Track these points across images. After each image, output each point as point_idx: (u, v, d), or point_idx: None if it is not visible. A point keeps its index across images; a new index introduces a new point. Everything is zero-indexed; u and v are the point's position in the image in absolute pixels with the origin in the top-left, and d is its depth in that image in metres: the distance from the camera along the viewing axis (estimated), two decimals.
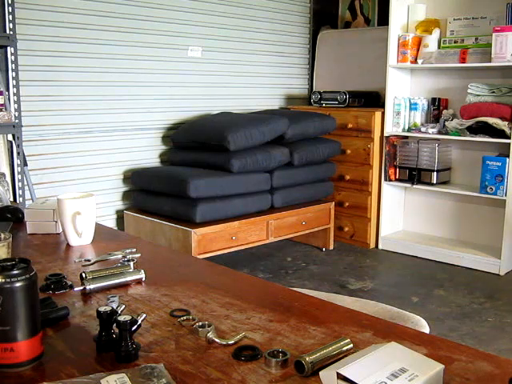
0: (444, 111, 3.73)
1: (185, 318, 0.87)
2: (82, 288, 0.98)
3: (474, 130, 3.43)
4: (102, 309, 0.76)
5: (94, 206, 1.28)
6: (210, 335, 0.79)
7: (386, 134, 3.83)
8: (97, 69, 3.27)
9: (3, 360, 0.71)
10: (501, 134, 3.31)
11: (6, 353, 0.71)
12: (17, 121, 2.69)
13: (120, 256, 1.17)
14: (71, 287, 1.01)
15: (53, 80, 3.10)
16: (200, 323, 0.84)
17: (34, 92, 3.02)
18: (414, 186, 3.78)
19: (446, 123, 3.59)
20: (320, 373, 0.68)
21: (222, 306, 0.93)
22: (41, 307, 0.77)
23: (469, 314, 2.83)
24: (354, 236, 4.04)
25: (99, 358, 0.75)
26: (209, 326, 0.83)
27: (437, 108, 3.79)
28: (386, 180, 3.88)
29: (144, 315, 0.79)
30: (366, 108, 3.96)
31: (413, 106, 3.83)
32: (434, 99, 3.81)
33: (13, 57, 2.74)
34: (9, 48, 2.78)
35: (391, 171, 3.87)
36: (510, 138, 3.27)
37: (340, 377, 0.64)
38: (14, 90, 2.79)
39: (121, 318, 0.74)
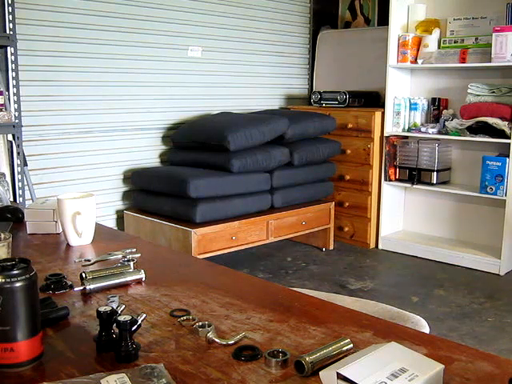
0: (444, 111, 3.73)
1: (185, 317, 0.87)
2: (81, 288, 0.98)
3: (474, 130, 3.43)
4: (101, 309, 0.76)
5: (94, 206, 1.28)
6: (210, 335, 0.79)
7: (385, 134, 3.83)
8: (97, 69, 3.27)
9: (3, 360, 0.71)
10: (501, 134, 3.31)
11: (5, 353, 0.71)
12: (17, 121, 2.69)
13: (120, 256, 1.17)
14: (71, 287, 1.01)
15: (53, 80, 3.10)
16: (200, 323, 0.84)
17: (34, 92, 3.02)
18: (414, 186, 3.78)
19: (446, 123, 3.59)
20: (320, 373, 0.68)
21: (222, 306, 0.93)
22: (41, 307, 0.77)
23: (469, 314, 2.83)
24: (353, 236, 4.04)
25: (99, 358, 0.75)
26: (209, 326, 0.83)
27: (437, 108, 3.79)
28: (385, 180, 3.88)
29: (144, 315, 0.79)
30: (366, 108, 3.96)
31: (413, 106, 3.83)
32: (434, 99, 3.81)
33: (13, 57, 2.74)
34: (9, 48, 2.78)
35: (391, 171, 3.87)
36: (510, 138, 3.27)
37: (340, 377, 0.64)
38: (14, 90, 2.79)
39: (121, 318, 0.74)
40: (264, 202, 3.37)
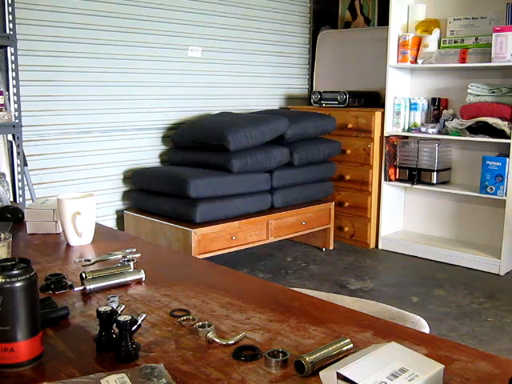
0: (444, 111, 3.73)
1: (185, 317, 0.87)
2: (81, 288, 0.98)
3: (474, 130, 3.43)
4: (102, 309, 0.76)
5: (93, 206, 1.28)
6: (210, 335, 0.79)
7: (386, 134, 3.83)
8: (97, 69, 3.27)
9: (3, 360, 0.71)
10: (501, 134, 3.31)
11: (5, 353, 0.71)
12: (17, 121, 2.69)
13: (120, 256, 1.17)
14: (71, 287, 1.01)
15: (53, 80, 3.10)
16: (200, 323, 0.84)
17: (34, 92, 3.02)
18: (414, 186, 3.78)
19: (446, 123, 3.59)
20: (320, 373, 0.68)
21: (222, 306, 0.93)
22: (41, 307, 0.77)
23: (469, 314, 2.83)
24: (353, 236, 4.04)
25: (99, 358, 0.75)
26: (209, 326, 0.83)
27: (437, 108, 3.79)
28: (385, 180, 3.88)
29: (144, 315, 0.79)
30: (366, 108, 3.96)
31: (413, 106, 3.83)
32: (434, 99, 3.81)
33: (13, 57, 2.74)
34: (9, 48, 2.78)
35: (391, 171, 3.87)
36: (510, 138, 3.27)
37: (340, 377, 0.64)
38: (14, 89, 2.79)
39: (121, 318, 0.74)
40: (264, 202, 3.37)
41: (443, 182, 3.76)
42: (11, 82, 2.80)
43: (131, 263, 1.09)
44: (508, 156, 3.30)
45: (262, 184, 3.34)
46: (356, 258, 3.75)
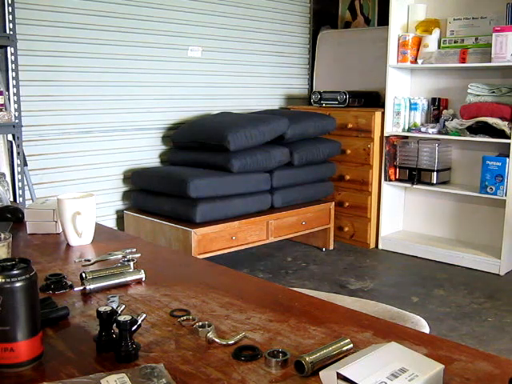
0: (444, 111, 3.73)
1: (185, 317, 0.87)
2: (81, 288, 0.98)
3: (474, 130, 3.43)
4: (102, 309, 0.76)
5: (93, 206, 1.28)
6: (210, 335, 0.79)
7: (386, 134, 3.83)
8: (97, 69, 3.27)
9: (3, 360, 0.71)
10: (501, 134, 3.31)
11: (5, 353, 0.71)
12: (17, 121, 2.69)
13: (120, 256, 1.17)
14: (71, 287, 1.01)
15: (53, 80, 3.10)
16: (200, 323, 0.84)
17: (34, 92, 3.02)
18: (414, 186, 3.78)
19: (446, 123, 3.59)
20: (320, 373, 0.68)
21: (222, 306, 0.93)
22: (41, 307, 0.77)
23: (469, 314, 2.83)
24: (354, 236, 4.04)
25: (99, 358, 0.75)
26: (209, 326, 0.83)
27: (437, 108, 3.79)
28: (386, 180, 3.88)
29: (144, 315, 0.79)
30: (366, 108, 3.96)
31: (413, 106, 3.83)
32: (434, 99, 3.81)
33: (13, 57, 2.74)
34: (9, 48, 2.78)
35: (391, 171, 3.87)
36: (510, 138, 3.27)
37: (340, 377, 0.64)
38: (14, 90, 2.79)
39: (121, 318, 0.74)
40: (264, 202, 3.37)
41: (443, 182, 3.76)
42: (11, 82, 2.80)
43: (131, 263, 1.09)
44: (508, 156, 3.30)
45: (262, 184, 3.34)
46: (356, 257, 3.75)
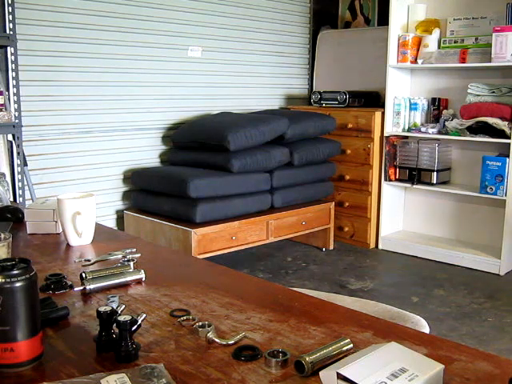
0: (444, 111, 3.73)
1: (185, 317, 0.87)
2: (81, 288, 0.98)
3: (474, 130, 3.43)
4: (102, 309, 0.76)
5: (93, 206, 1.28)
6: (210, 335, 0.79)
7: (386, 134, 3.83)
8: (97, 69, 3.27)
9: (3, 360, 0.71)
10: (501, 134, 3.31)
11: (5, 353, 0.71)
12: (17, 121, 2.69)
13: (120, 256, 1.17)
14: (71, 287, 1.01)
15: (53, 80, 3.10)
16: (200, 323, 0.84)
17: (34, 92, 3.02)
18: (414, 186, 3.78)
19: (446, 123, 3.59)
20: (320, 373, 0.68)
21: (222, 306, 0.93)
22: (41, 307, 0.77)
23: (469, 314, 2.83)
24: (353, 236, 4.04)
25: (99, 358, 0.75)
26: (209, 326, 0.83)
27: (437, 108, 3.79)
28: (385, 180, 3.88)
29: (144, 315, 0.79)
30: (366, 108, 3.96)
31: (413, 106, 3.83)
32: (434, 99, 3.81)
33: (13, 57, 2.74)
34: (9, 48, 2.78)
35: (391, 171, 3.87)
36: (510, 138, 3.27)
37: (340, 377, 0.64)
38: (14, 90, 2.79)
39: (121, 318, 0.74)
40: (264, 202, 3.37)
41: (443, 182, 3.76)
42: (11, 82, 2.80)
43: (131, 263, 1.09)
44: (508, 156, 3.30)
45: (262, 184, 3.34)
46: (356, 258, 3.75)
